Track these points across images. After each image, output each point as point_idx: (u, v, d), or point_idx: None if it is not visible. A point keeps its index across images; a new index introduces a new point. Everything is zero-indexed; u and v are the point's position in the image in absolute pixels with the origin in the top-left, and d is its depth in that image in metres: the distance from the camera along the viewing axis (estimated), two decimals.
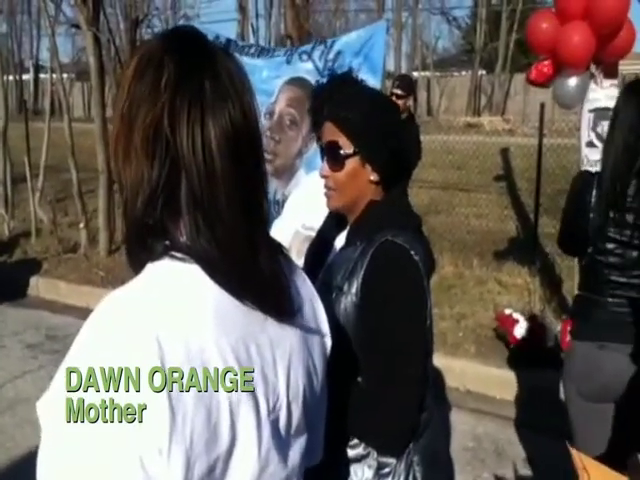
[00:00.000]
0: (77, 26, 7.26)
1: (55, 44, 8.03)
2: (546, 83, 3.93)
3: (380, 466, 1.38)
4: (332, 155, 1.45)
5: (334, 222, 1.61)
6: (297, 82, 3.75)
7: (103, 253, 6.75)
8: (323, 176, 1.49)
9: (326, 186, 1.50)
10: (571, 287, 4.56)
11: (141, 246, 0.83)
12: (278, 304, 0.87)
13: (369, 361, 1.35)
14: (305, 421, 0.95)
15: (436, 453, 1.50)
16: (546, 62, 3.83)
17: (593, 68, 3.75)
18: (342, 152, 1.43)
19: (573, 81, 3.76)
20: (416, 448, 1.42)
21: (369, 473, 1.38)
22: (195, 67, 0.81)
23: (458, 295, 5.46)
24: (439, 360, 4.28)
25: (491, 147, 9.95)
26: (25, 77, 31.93)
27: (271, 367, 0.87)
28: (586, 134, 3.88)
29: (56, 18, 8.50)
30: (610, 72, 3.78)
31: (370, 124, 1.42)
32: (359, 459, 1.39)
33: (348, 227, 1.52)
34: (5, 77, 8.78)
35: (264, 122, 3.73)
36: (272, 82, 3.74)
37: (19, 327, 5.43)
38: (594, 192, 2.13)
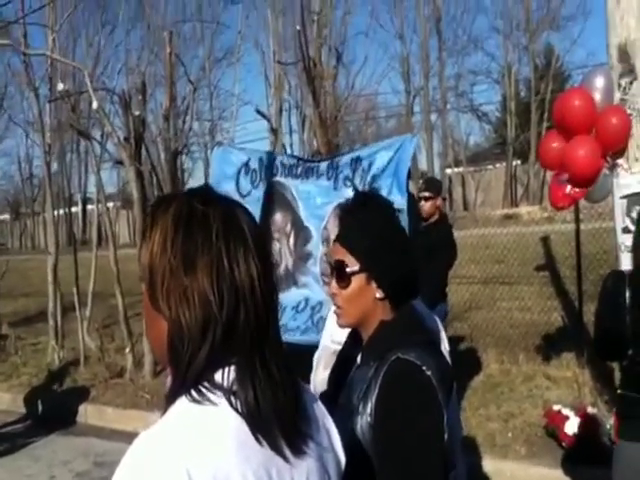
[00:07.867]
0: (121, 162, 7.69)
1: (101, 181, 8.56)
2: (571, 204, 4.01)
3: None
4: (339, 273, 1.51)
5: (355, 340, 1.62)
6: None
7: (148, 376, 6.83)
8: (332, 294, 1.55)
9: (335, 304, 1.55)
10: None
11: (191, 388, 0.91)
12: (295, 443, 0.96)
13: None
14: None
15: None
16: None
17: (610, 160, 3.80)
18: (348, 270, 1.49)
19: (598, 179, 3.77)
20: None
21: None
22: (234, 215, 0.97)
23: (505, 393, 5.29)
24: (488, 464, 4.12)
25: (530, 237, 9.86)
26: (74, 210, 33.65)
27: None
28: (621, 220, 3.80)
29: (101, 157, 9.10)
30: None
31: (376, 244, 1.48)
32: None
33: (362, 347, 1.55)
34: (55, 212, 9.28)
35: (322, 248, 4.18)
36: (324, 208, 4.22)
37: (68, 456, 5.48)
38: (627, 293, 2.07)
